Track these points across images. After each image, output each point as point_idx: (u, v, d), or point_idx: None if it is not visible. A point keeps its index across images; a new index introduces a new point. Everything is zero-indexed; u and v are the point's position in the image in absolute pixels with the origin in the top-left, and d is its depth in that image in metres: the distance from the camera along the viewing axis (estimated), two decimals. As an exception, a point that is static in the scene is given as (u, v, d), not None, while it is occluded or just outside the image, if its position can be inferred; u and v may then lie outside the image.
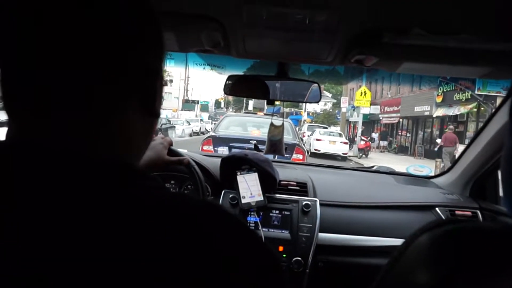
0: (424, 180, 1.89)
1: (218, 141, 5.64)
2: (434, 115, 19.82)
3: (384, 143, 23.37)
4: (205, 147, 5.65)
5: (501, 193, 1.64)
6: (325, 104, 38.24)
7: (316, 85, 1.26)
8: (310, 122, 29.06)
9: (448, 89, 17.97)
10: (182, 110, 32.18)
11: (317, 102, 1.28)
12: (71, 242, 0.32)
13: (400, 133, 24.57)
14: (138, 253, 0.32)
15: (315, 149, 16.67)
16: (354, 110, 28.21)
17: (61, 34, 0.36)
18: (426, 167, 1.93)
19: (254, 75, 1.26)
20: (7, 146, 0.38)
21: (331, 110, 37.21)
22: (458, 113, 17.17)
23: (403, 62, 0.99)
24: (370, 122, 28.56)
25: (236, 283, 0.35)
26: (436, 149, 15.68)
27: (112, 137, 0.40)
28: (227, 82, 1.25)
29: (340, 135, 18.65)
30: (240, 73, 1.26)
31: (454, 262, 0.37)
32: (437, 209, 1.56)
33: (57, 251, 0.31)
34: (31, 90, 0.37)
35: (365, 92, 21.52)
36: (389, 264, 0.44)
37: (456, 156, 1.73)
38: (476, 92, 14.60)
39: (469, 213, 1.57)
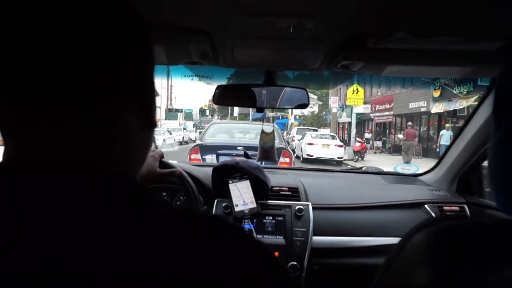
0: (412, 178, 1.93)
1: (205, 149, 5.66)
2: (433, 111, 18.15)
3: (378, 144, 21.66)
4: (192, 156, 5.62)
5: (486, 188, 1.70)
6: (312, 107, 37.15)
7: (303, 90, 1.28)
8: (297, 126, 27.80)
9: (448, 81, 15.48)
10: (165, 119, 31.60)
11: (305, 107, 1.30)
12: (78, 260, 0.32)
13: (393, 133, 22.27)
14: (145, 270, 0.32)
15: (307, 155, 15.09)
16: (343, 110, 27.25)
17: (56, 49, 0.36)
18: (413, 166, 1.97)
19: (243, 84, 1.27)
20: (8, 167, 0.37)
21: (319, 111, 36.04)
22: (460, 107, 15.56)
23: (388, 66, 1.01)
24: (361, 122, 26.75)
25: None
26: (401, 145, 16.04)
27: (114, 150, 0.40)
28: (216, 91, 1.26)
29: (333, 137, 17.23)
30: (229, 82, 1.27)
31: (451, 259, 0.38)
32: (426, 206, 1.59)
33: (64, 269, 0.31)
34: (28, 107, 0.37)
35: (357, 89, 19.88)
36: (386, 263, 0.44)
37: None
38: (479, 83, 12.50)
39: (456, 208, 1.61)
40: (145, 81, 0.43)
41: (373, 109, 24.28)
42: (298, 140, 17.69)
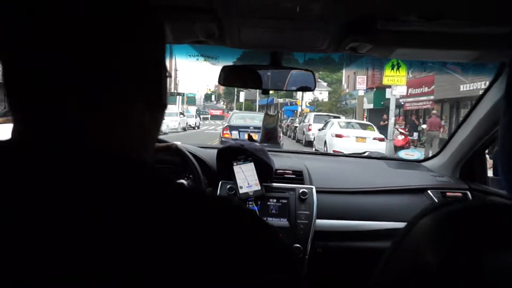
0: (415, 164, 1.93)
1: (231, 128, 9.54)
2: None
3: (414, 136, 15.19)
4: (224, 132, 9.46)
5: (489, 174, 1.70)
6: (321, 93, 34.94)
7: (310, 73, 1.27)
8: (308, 112, 22.39)
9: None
10: (168, 104, 30.99)
11: (312, 90, 1.30)
12: (82, 240, 0.31)
13: (417, 123, 16.25)
14: (151, 252, 0.32)
15: (334, 151, 10.02)
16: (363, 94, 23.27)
17: (63, 33, 0.36)
18: (417, 151, 1.97)
19: (248, 65, 1.26)
20: (17, 145, 0.37)
21: (338, 95, 30.75)
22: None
23: (396, 48, 1.00)
24: (384, 109, 20.23)
25: (250, 283, 0.34)
26: (422, 135, 13.84)
27: (124, 133, 0.40)
28: (222, 72, 1.25)
29: (369, 127, 12.73)
30: (234, 63, 1.26)
31: (456, 241, 0.38)
32: (429, 191, 1.60)
33: (67, 248, 0.31)
34: (38, 88, 0.37)
35: (398, 64, 14.36)
36: (392, 247, 0.45)
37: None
38: None
39: (459, 194, 1.62)
40: (155, 62, 0.43)
41: (405, 93, 17.82)
42: (319, 130, 13.44)
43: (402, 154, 1.96)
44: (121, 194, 0.34)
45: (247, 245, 0.36)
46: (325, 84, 35.05)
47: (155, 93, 0.43)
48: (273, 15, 0.93)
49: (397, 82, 14.51)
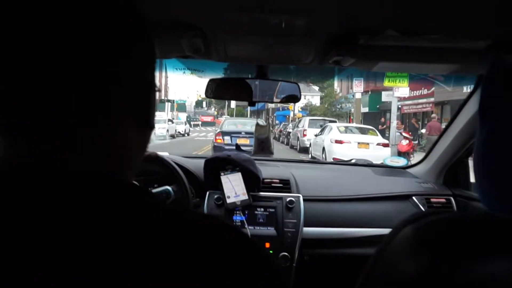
0: (400, 170, 1.97)
1: (224, 134, 9.81)
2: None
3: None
4: (217, 137, 9.86)
5: (472, 180, 1.74)
6: (312, 97, 34.55)
7: (295, 85, 1.29)
8: (301, 117, 21.25)
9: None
10: (157, 111, 29.97)
11: (298, 101, 1.32)
12: (73, 265, 0.31)
13: (417, 126, 16.11)
14: (142, 275, 0.32)
15: (335, 159, 8.97)
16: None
17: (58, 48, 0.35)
18: (402, 158, 2.00)
19: (235, 77, 1.27)
20: (9, 166, 0.36)
21: (332, 99, 29.48)
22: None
23: (378, 62, 1.03)
24: (379, 112, 20.08)
25: None
26: (421, 139, 13.04)
27: (110, 153, 0.39)
28: (209, 85, 1.26)
29: (372, 131, 11.77)
30: (221, 75, 1.27)
31: (437, 251, 0.40)
32: (413, 198, 1.63)
33: (68, 275, 0.31)
34: (20, 111, 0.36)
35: None
36: (375, 255, 0.46)
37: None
38: None
39: (443, 200, 1.65)
40: (145, 82, 0.42)
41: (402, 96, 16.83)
42: (315, 135, 12.50)
43: (388, 161, 1.99)
44: (99, 215, 0.34)
45: (230, 257, 0.36)
46: (316, 88, 34.63)
47: (144, 112, 0.43)
48: (258, 31, 0.94)
49: (399, 83, 13.75)
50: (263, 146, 1.65)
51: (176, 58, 1.09)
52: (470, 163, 1.78)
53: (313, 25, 0.89)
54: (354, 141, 10.52)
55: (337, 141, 10.45)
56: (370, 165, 2.06)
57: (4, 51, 0.35)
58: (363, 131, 11.82)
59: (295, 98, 1.30)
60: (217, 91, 1.26)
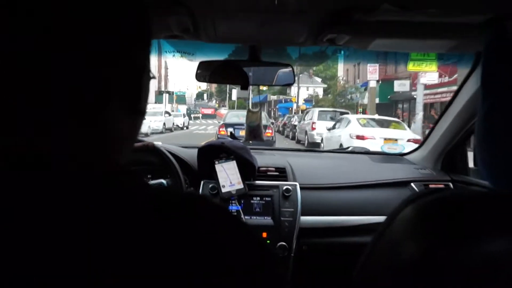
0: (398, 157, 1.95)
1: (227, 126, 9.86)
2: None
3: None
4: (221, 129, 10.11)
5: (470, 165, 1.73)
6: (315, 89, 33.65)
7: (289, 68, 1.26)
8: (305, 109, 19.64)
9: None
10: (155, 103, 25.85)
11: (292, 84, 1.29)
12: (72, 259, 0.31)
13: (435, 116, 12.58)
14: (143, 263, 0.32)
15: None
16: (365, 89, 20.53)
17: (58, 48, 0.35)
18: (399, 145, 1.99)
19: (226, 60, 1.24)
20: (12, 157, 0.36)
21: (342, 88, 26.41)
22: None
23: (374, 39, 1.00)
24: (391, 103, 17.82)
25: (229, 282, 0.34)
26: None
27: (101, 139, 0.39)
28: (198, 69, 1.23)
29: (395, 124, 10.02)
30: (211, 58, 1.24)
31: (438, 231, 0.38)
32: (412, 184, 1.61)
33: (61, 262, 0.31)
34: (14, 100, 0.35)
35: None
36: (374, 239, 0.45)
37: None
38: None
39: (442, 185, 1.64)
40: (136, 66, 0.41)
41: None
42: (328, 129, 10.86)
43: (385, 148, 1.98)
44: (90, 205, 0.34)
45: (227, 245, 0.36)
46: (319, 80, 34.12)
47: (135, 97, 0.41)
48: (249, 8, 0.91)
49: (426, 68, 9.99)
50: (254, 133, 1.61)
51: (164, 39, 1.06)
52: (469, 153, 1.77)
53: (306, 1, 0.86)
54: (379, 136, 8.71)
55: (358, 137, 8.72)
56: (367, 152, 2.05)
57: (4, 51, 0.35)
58: (385, 124, 9.84)
59: (288, 81, 1.27)
60: (206, 75, 1.22)
